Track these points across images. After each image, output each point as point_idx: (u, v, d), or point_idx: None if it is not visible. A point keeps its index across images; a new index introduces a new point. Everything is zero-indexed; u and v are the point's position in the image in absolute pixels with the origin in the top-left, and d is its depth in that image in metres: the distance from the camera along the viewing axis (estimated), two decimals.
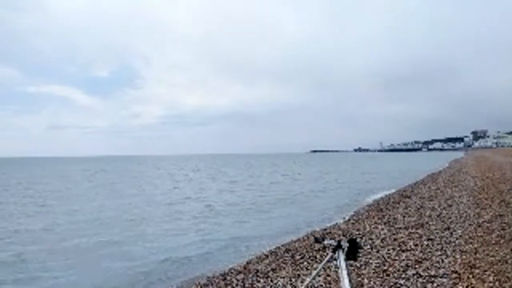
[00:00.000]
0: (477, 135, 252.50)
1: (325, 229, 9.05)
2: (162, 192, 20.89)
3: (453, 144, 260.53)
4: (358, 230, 8.13)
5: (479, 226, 7.27)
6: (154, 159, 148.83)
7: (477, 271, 4.67)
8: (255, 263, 6.50)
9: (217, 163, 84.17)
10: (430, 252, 5.75)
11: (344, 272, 2.09)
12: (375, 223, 8.79)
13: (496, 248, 5.63)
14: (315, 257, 6.19)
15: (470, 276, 4.51)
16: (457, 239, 6.45)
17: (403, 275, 4.74)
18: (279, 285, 4.95)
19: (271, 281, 5.19)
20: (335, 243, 2.29)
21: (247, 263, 6.62)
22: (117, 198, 18.10)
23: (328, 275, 4.84)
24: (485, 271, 4.65)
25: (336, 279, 4.54)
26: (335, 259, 2.25)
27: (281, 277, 5.28)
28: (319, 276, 4.80)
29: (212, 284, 5.53)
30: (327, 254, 2.49)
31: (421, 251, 5.81)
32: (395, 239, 6.78)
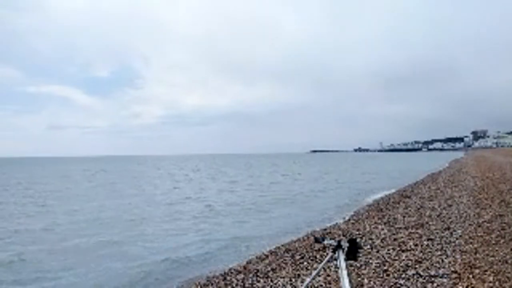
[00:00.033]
0: (477, 135, 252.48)
1: (325, 229, 9.05)
2: (162, 192, 20.90)
3: (453, 144, 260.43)
4: (358, 230, 8.13)
5: (479, 226, 7.27)
6: (154, 159, 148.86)
7: (477, 271, 4.67)
8: (255, 263, 6.51)
9: (217, 163, 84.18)
10: (430, 252, 5.75)
11: (344, 272, 2.09)
12: (375, 223, 8.79)
13: (496, 248, 5.63)
14: (315, 257, 6.19)
15: (470, 276, 4.51)
16: (457, 239, 6.44)
17: (403, 275, 4.73)
18: (279, 285, 4.95)
19: (271, 281, 5.19)
20: (335, 243, 2.29)
21: (247, 263, 6.63)
22: (117, 198, 18.10)
23: (328, 275, 4.84)
24: (485, 271, 4.65)
25: (336, 279, 4.54)
26: (335, 259, 2.25)
27: (281, 277, 5.28)
28: (319, 276, 4.80)
29: (212, 284, 5.54)
30: (327, 254, 2.49)
31: (421, 251, 5.81)
32: (395, 239, 6.78)
